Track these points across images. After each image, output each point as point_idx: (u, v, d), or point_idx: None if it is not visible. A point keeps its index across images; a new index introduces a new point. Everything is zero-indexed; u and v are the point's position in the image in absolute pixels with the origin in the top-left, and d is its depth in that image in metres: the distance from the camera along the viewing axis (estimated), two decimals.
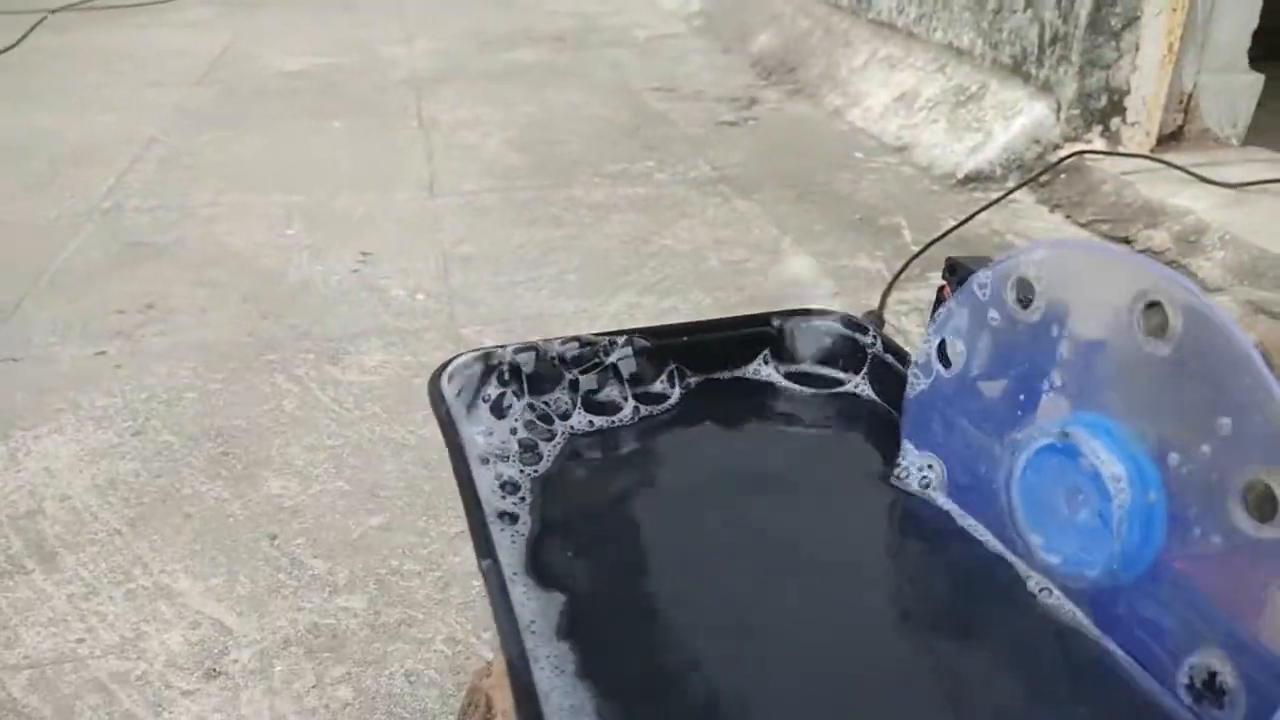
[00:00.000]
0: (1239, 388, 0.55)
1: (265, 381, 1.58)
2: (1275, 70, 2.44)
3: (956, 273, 0.96)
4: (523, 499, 0.77)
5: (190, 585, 1.17)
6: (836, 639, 0.67)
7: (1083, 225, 2.20)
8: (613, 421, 0.87)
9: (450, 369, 0.83)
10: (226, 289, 1.89)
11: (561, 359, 0.87)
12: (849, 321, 0.94)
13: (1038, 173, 2.38)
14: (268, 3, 4.56)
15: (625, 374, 0.89)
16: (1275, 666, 0.53)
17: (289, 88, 3.26)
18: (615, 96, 3.21)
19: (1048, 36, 2.43)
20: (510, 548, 0.72)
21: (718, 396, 0.92)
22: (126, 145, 2.67)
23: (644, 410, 0.89)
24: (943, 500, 0.78)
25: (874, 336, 0.92)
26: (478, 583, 1.15)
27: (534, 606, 0.67)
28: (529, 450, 0.82)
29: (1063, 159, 2.37)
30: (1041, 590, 0.69)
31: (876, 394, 0.91)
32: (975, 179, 2.43)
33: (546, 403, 0.87)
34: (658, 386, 0.91)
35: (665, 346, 0.90)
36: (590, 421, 0.87)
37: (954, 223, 2.15)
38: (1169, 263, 1.94)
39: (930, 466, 0.79)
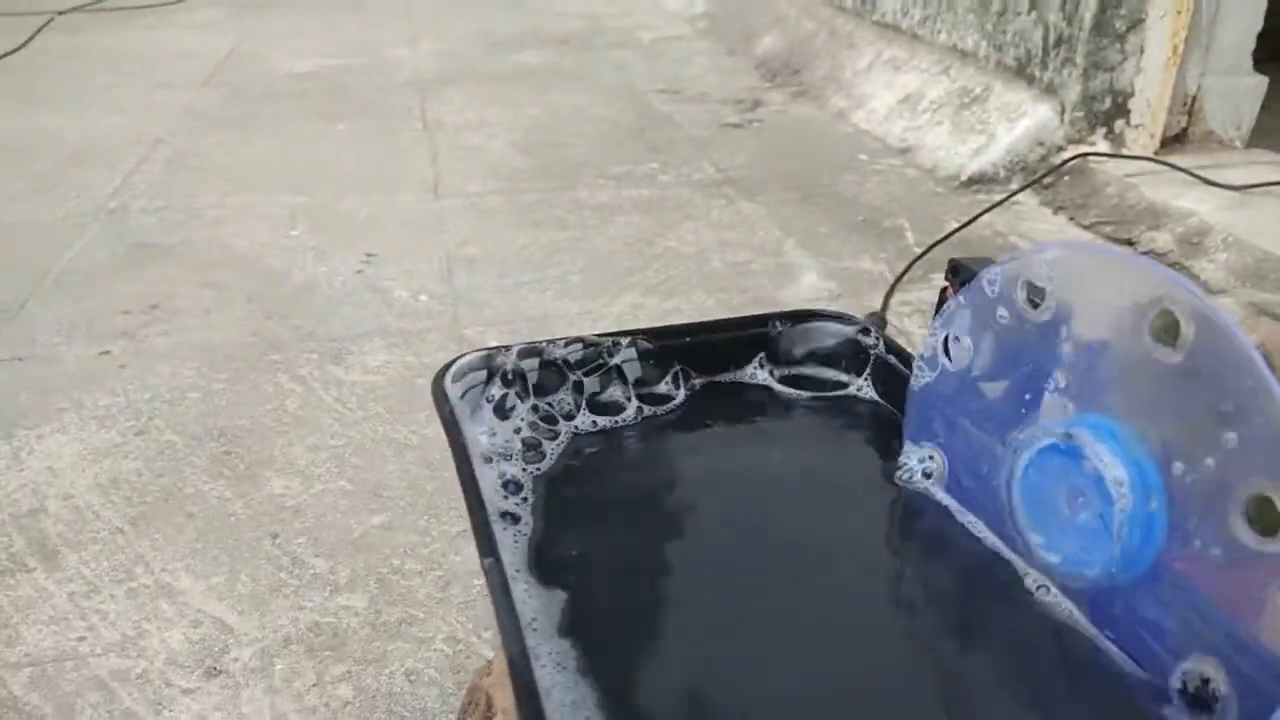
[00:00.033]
0: (1242, 389, 0.55)
1: (268, 381, 1.59)
2: (1279, 72, 2.44)
3: (959, 274, 0.96)
4: (525, 499, 0.77)
5: (191, 584, 1.17)
6: (836, 637, 0.67)
7: (1086, 227, 2.20)
8: (616, 422, 0.88)
9: (454, 369, 0.83)
10: (231, 290, 1.90)
11: (565, 361, 0.87)
12: (852, 323, 0.94)
13: (1041, 175, 2.38)
14: (276, 4, 4.58)
15: (628, 375, 0.89)
16: (1275, 667, 0.53)
17: (296, 89, 3.27)
18: (620, 98, 3.21)
19: (1052, 39, 2.43)
20: (512, 547, 0.72)
21: (720, 397, 0.92)
22: (133, 146, 2.67)
23: (647, 411, 0.89)
24: (943, 497, 0.78)
25: (876, 338, 0.92)
26: (479, 582, 1.15)
27: (535, 604, 0.67)
28: (532, 449, 0.83)
29: (1066, 161, 2.36)
30: (1039, 587, 0.69)
31: (879, 395, 0.91)
32: (979, 181, 2.43)
33: (550, 403, 0.87)
34: (660, 388, 0.91)
35: (667, 347, 0.91)
36: (594, 422, 0.87)
37: (957, 224, 2.15)
38: (1172, 264, 1.94)
39: (931, 457, 0.79)
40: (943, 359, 0.76)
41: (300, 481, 1.35)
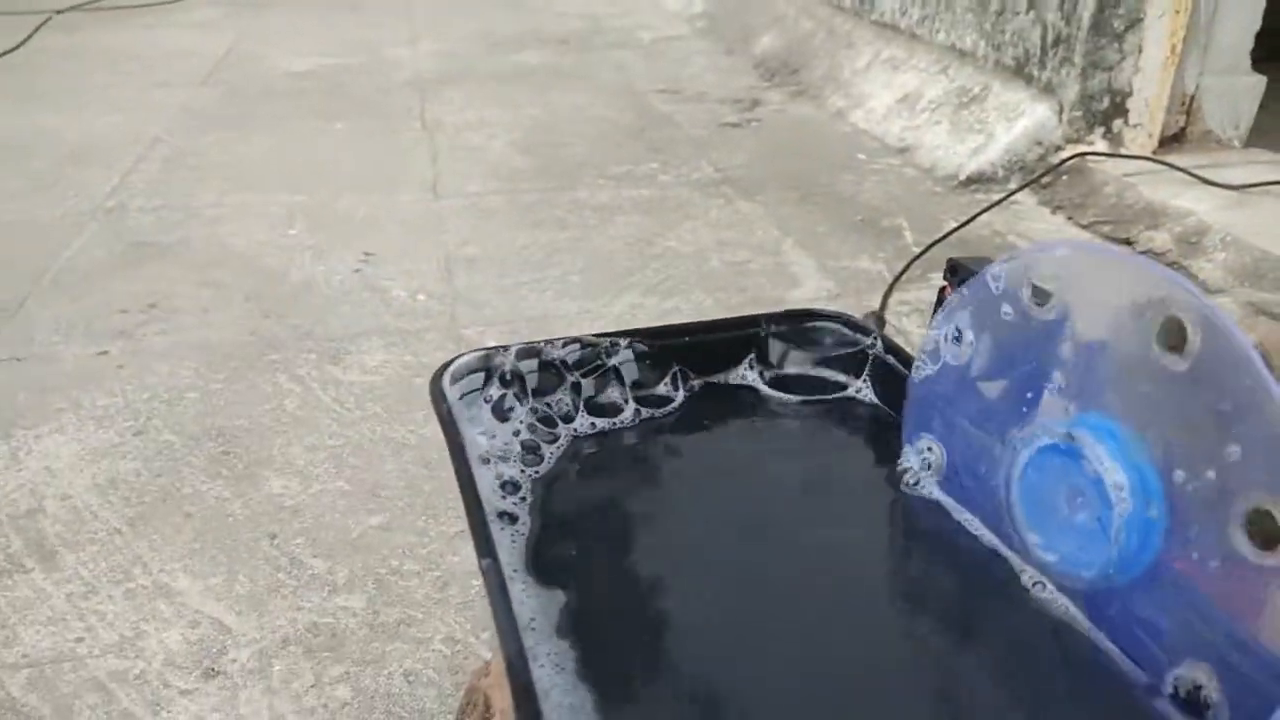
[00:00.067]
0: (1240, 388, 0.54)
1: (267, 381, 1.59)
2: (1277, 72, 2.44)
3: (958, 274, 0.96)
4: (523, 499, 0.77)
5: (189, 584, 1.17)
6: (835, 637, 0.67)
7: (1084, 227, 2.20)
8: (614, 423, 0.87)
9: (452, 368, 0.83)
10: (229, 289, 1.90)
11: (563, 362, 0.87)
12: (850, 322, 0.94)
13: (1040, 174, 2.38)
14: (274, 3, 4.57)
15: (625, 376, 0.89)
16: (1274, 667, 0.53)
17: (294, 88, 3.27)
18: (620, 98, 3.21)
19: (1050, 38, 2.43)
20: (510, 547, 0.72)
21: (718, 398, 0.91)
22: (131, 145, 2.67)
23: (645, 412, 0.89)
24: (941, 496, 0.78)
25: (875, 337, 0.92)
26: (476, 582, 1.15)
27: (534, 605, 0.67)
28: (531, 451, 0.82)
29: (1065, 160, 2.36)
30: (1035, 584, 0.69)
31: (877, 395, 0.91)
32: (977, 180, 2.43)
33: (549, 404, 0.87)
34: (659, 389, 0.90)
35: (664, 347, 0.90)
36: (593, 424, 0.87)
37: (956, 224, 2.15)
38: (1170, 264, 1.94)
39: (930, 449, 0.78)
40: (946, 351, 0.75)
41: (298, 481, 1.35)
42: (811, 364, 0.94)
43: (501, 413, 0.84)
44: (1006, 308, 0.70)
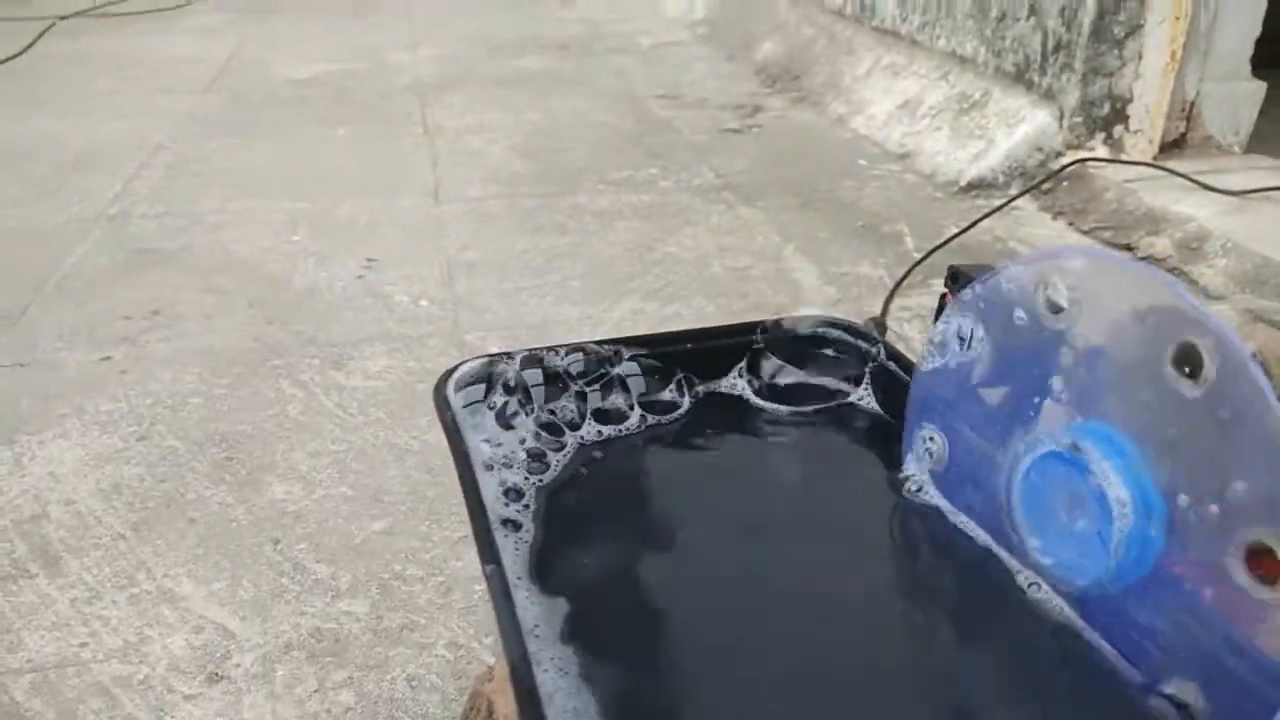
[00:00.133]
0: (1253, 418, 0.54)
1: (270, 387, 1.59)
2: (1278, 78, 2.44)
3: (959, 280, 0.97)
4: (527, 505, 0.78)
5: (193, 590, 1.18)
6: (835, 641, 0.68)
7: (1085, 232, 2.20)
8: (619, 430, 0.88)
9: (455, 375, 0.84)
10: (232, 295, 1.90)
11: (566, 371, 0.88)
12: (851, 328, 0.94)
13: (1040, 180, 2.38)
14: (277, 10, 4.59)
15: (630, 384, 0.90)
16: (1271, 670, 0.53)
17: (297, 95, 3.28)
18: (620, 104, 3.22)
19: (1051, 44, 2.44)
20: (514, 553, 0.72)
21: (721, 405, 0.92)
22: (134, 151, 2.68)
23: (650, 419, 0.89)
24: (941, 501, 0.78)
25: (877, 344, 0.92)
26: (480, 587, 1.15)
27: (538, 611, 0.67)
28: (536, 459, 0.83)
29: (1065, 166, 2.37)
30: (1030, 585, 0.69)
31: (878, 400, 0.91)
32: (978, 186, 2.44)
33: (553, 411, 0.87)
34: (660, 395, 0.91)
35: (664, 354, 0.91)
36: (599, 432, 0.87)
37: (956, 230, 2.15)
38: (1171, 270, 1.94)
39: (932, 439, 0.78)
40: (953, 345, 0.75)
41: (302, 487, 1.35)
42: (813, 371, 0.94)
43: (505, 420, 0.84)
44: (1020, 312, 0.69)
